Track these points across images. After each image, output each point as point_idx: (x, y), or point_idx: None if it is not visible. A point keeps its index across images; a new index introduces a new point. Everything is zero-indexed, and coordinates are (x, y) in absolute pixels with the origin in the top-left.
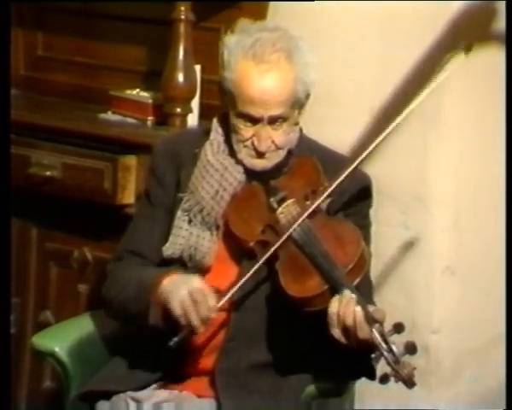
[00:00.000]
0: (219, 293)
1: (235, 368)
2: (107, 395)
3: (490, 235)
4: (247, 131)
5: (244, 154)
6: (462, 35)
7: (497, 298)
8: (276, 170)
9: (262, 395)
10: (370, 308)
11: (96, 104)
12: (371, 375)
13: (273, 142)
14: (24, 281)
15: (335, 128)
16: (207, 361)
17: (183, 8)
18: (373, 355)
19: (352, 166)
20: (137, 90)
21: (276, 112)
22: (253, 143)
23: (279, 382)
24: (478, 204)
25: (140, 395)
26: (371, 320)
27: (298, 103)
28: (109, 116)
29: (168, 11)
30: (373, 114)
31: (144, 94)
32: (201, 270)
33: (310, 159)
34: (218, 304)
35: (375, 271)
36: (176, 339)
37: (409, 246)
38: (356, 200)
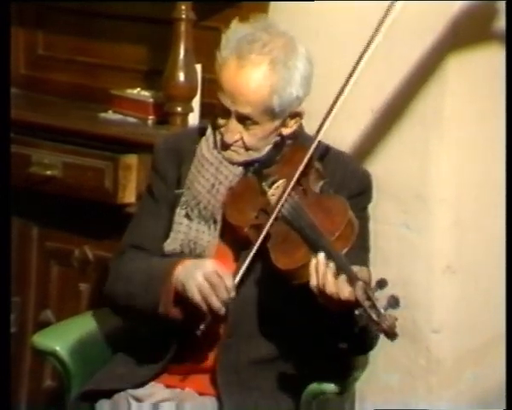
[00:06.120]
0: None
1: (235, 365)
2: (107, 394)
3: (491, 234)
4: (221, 119)
5: (218, 141)
6: (463, 35)
7: (498, 297)
8: (270, 162)
9: (263, 393)
10: (355, 269)
11: (96, 103)
12: (366, 348)
13: (242, 139)
14: (24, 280)
15: (335, 127)
16: (208, 358)
17: (183, 8)
18: (356, 312)
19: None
20: (138, 89)
21: (242, 110)
22: (222, 133)
23: (280, 379)
24: (479, 203)
25: (141, 393)
26: (354, 279)
27: (271, 113)
28: (110, 115)
29: (169, 10)
30: (373, 114)
31: (145, 93)
32: None
33: (302, 146)
34: (234, 283)
35: (375, 270)
36: (202, 326)
37: (409, 245)
38: (354, 194)
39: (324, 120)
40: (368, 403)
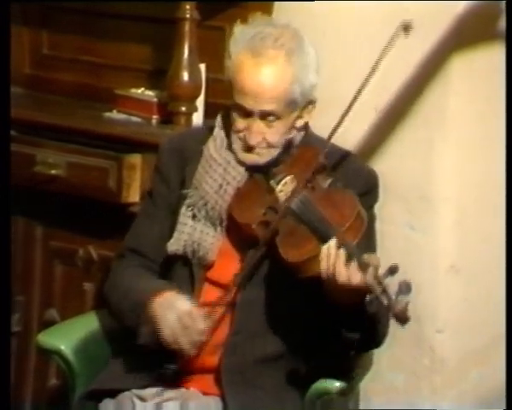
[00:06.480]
0: (210, 304)
1: (240, 364)
2: (112, 394)
3: (494, 234)
4: (240, 122)
5: (237, 146)
6: (467, 35)
7: (502, 296)
8: (278, 162)
9: (267, 392)
10: (365, 256)
11: (100, 103)
12: (375, 340)
13: (265, 138)
14: (29, 279)
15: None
16: (213, 358)
17: (188, 7)
18: (367, 298)
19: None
20: (142, 88)
21: (267, 107)
22: (244, 136)
23: (284, 379)
24: (483, 203)
25: (145, 393)
26: (365, 265)
27: (293, 104)
28: (114, 115)
29: (173, 10)
30: (377, 113)
31: (149, 93)
32: (205, 266)
33: (312, 147)
34: (206, 326)
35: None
36: (171, 366)
37: (413, 245)
38: (360, 193)
39: (338, 123)
40: (372, 403)
